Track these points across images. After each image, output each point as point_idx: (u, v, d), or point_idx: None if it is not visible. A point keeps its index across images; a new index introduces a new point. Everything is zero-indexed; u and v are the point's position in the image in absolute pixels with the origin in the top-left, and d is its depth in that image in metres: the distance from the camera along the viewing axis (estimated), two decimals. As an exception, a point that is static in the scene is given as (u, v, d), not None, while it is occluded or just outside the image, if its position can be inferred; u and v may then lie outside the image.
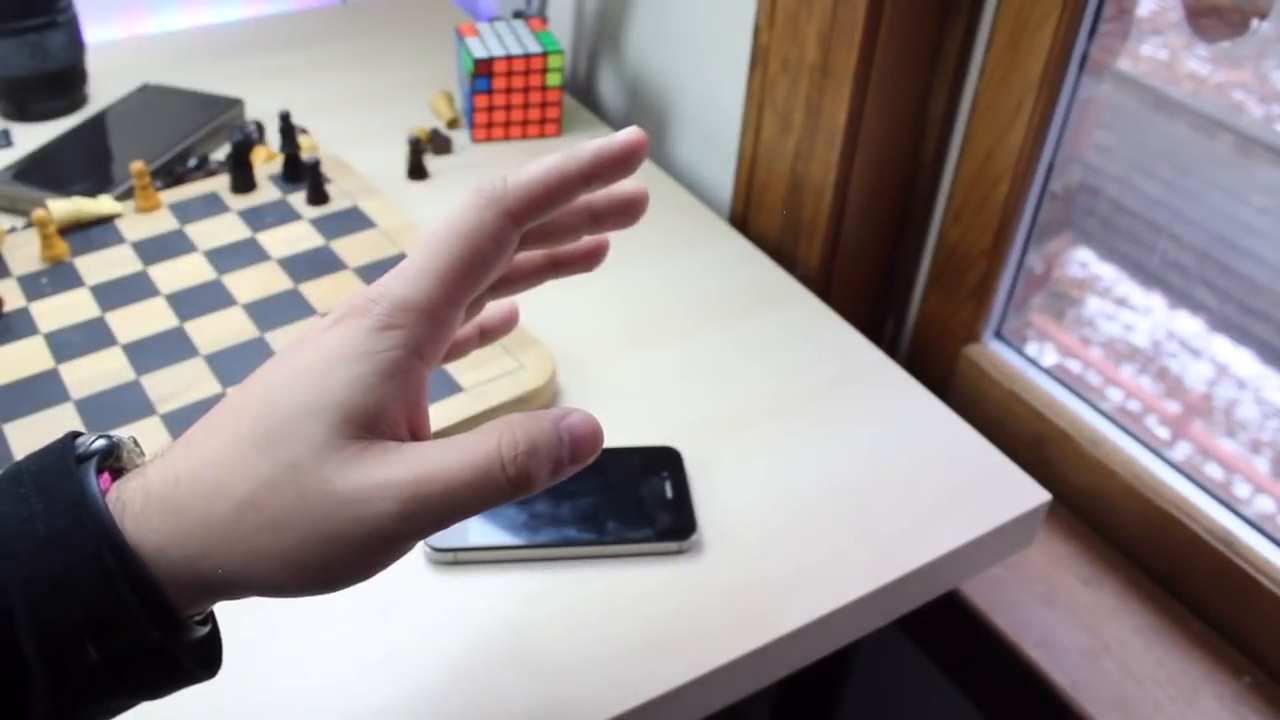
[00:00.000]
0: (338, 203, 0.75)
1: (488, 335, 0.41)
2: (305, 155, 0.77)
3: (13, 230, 0.71)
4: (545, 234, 0.36)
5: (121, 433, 0.33)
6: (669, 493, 0.56)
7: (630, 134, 0.33)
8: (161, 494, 0.30)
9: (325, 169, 0.77)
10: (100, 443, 0.32)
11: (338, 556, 0.29)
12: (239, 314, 0.64)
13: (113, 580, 0.28)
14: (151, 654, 0.29)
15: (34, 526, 0.28)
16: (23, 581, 0.28)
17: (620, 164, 0.33)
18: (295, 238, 0.71)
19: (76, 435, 0.32)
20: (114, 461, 0.32)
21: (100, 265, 0.67)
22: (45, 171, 0.78)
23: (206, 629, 0.33)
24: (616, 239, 0.40)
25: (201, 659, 0.32)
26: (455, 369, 0.61)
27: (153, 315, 0.64)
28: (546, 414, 0.31)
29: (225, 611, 0.49)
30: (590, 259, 0.39)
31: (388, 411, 0.30)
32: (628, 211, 0.37)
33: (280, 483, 0.29)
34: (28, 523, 0.28)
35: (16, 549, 0.28)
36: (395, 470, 0.29)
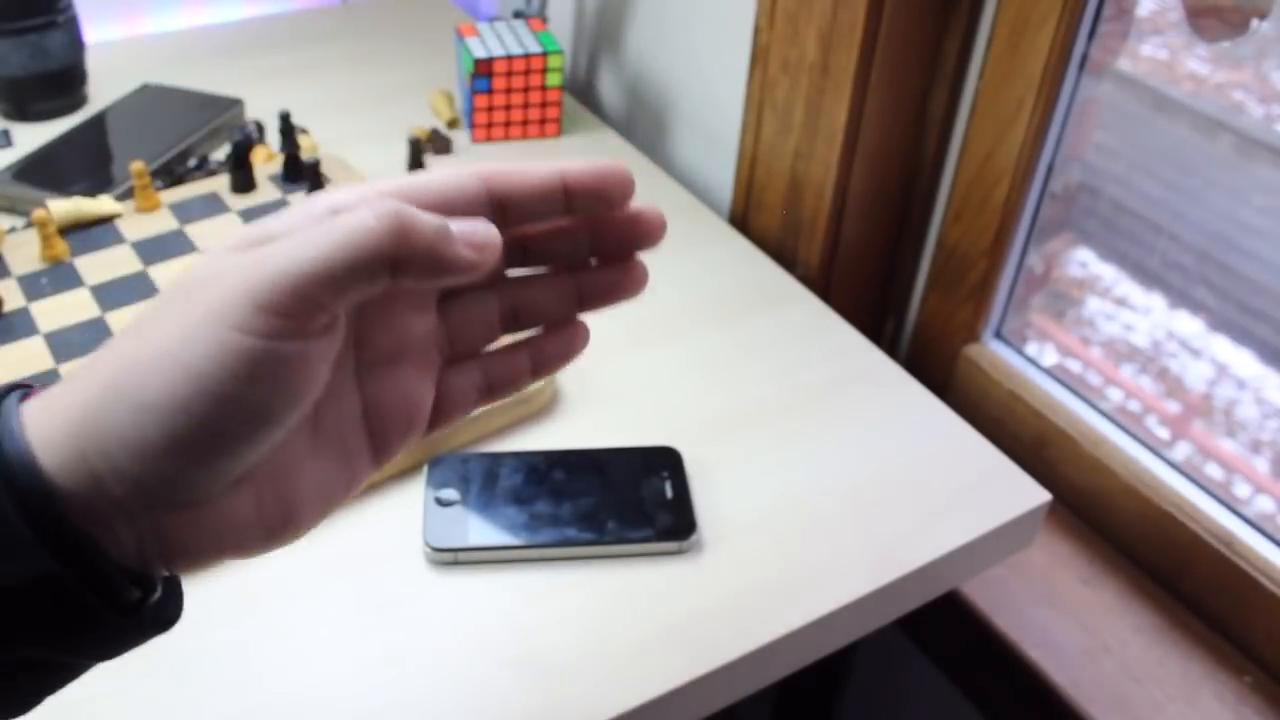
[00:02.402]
0: (338, 203, 0.75)
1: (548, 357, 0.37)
2: (305, 155, 0.77)
3: (13, 230, 0.71)
4: (543, 248, 0.35)
5: None
6: (669, 493, 0.56)
7: (612, 165, 0.33)
8: (65, 380, 0.27)
9: (325, 169, 0.77)
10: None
11: (196, 351, 0.25)
12: (239, 314, 0.64)
13: None
14: (50, 586, 0.26)
15: None
16: None
17: (598, 185, 0.33)
18: (295, 238, 0.71)
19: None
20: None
21: (100, 265, 0.67)
22: (45, 171, 0.78)
23: (155, 593, 0.29)
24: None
25: (133, 610, 0.28)
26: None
27: (153, 315, 0.64)
28: None
29: (224, 614, 0.50)
30: (620, 286, 0.37)
31: None
32: (630, 229, 0.36)
33: (165, 297, 0.27)
34: None
35: None
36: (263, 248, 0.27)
